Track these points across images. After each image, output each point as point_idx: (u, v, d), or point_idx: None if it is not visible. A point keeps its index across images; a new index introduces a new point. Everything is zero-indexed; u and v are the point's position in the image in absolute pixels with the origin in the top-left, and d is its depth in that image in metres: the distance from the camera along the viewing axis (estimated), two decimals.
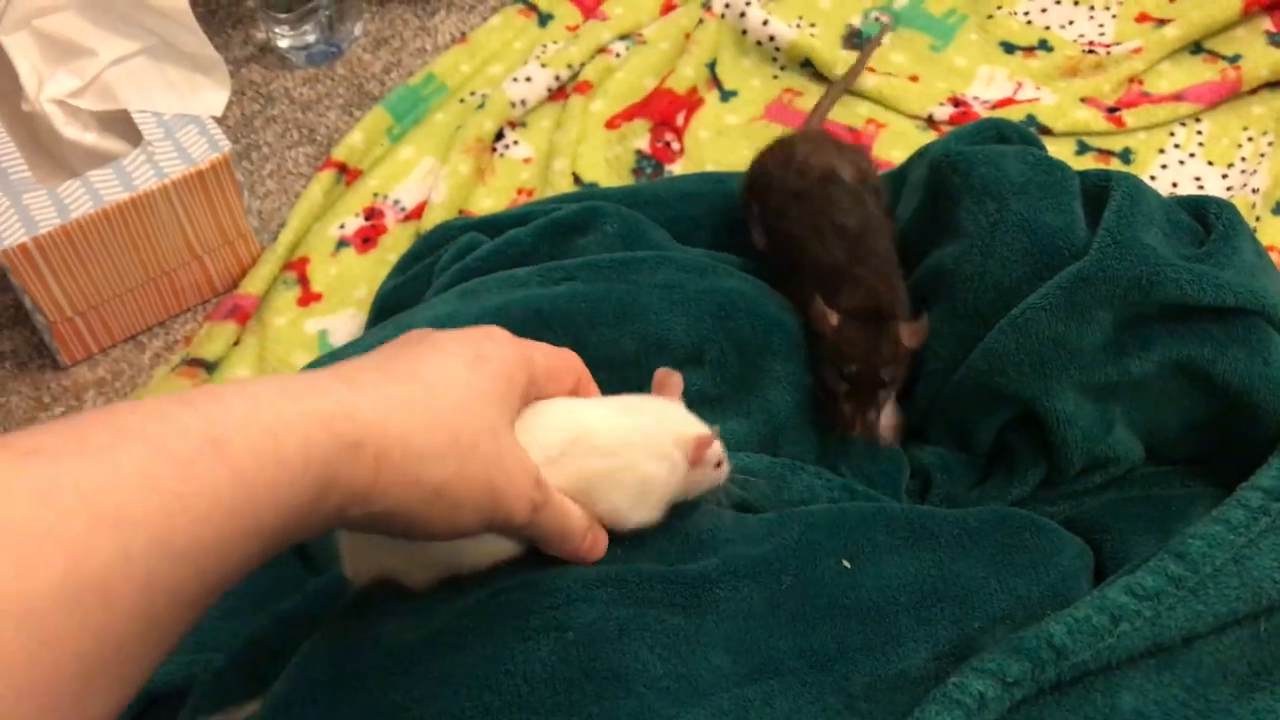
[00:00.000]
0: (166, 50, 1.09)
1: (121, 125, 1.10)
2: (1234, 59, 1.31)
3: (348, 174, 1.25)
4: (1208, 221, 0.94)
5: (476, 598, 0.66)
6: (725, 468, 0.71)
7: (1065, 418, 0.88)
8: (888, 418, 0.95)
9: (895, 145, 1.25)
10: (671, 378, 0.71)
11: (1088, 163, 1.23)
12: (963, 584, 0.73)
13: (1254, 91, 1.28)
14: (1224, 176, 1.21)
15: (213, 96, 1.10)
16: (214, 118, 1.09)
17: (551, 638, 0.65)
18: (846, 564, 0.72)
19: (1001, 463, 0.94)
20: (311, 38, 1.34)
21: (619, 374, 0.79)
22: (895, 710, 0.67)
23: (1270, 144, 1.22)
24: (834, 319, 0.89)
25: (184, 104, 1.08)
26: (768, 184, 1.01)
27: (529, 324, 0.91)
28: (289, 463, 0.44)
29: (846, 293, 0.90)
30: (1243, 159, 1.23)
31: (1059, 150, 1.21)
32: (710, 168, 1.24)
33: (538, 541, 0.65)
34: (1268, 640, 0.76)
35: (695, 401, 0.88)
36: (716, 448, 0.69)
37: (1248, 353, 0.87)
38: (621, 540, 0.71)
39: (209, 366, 1.09)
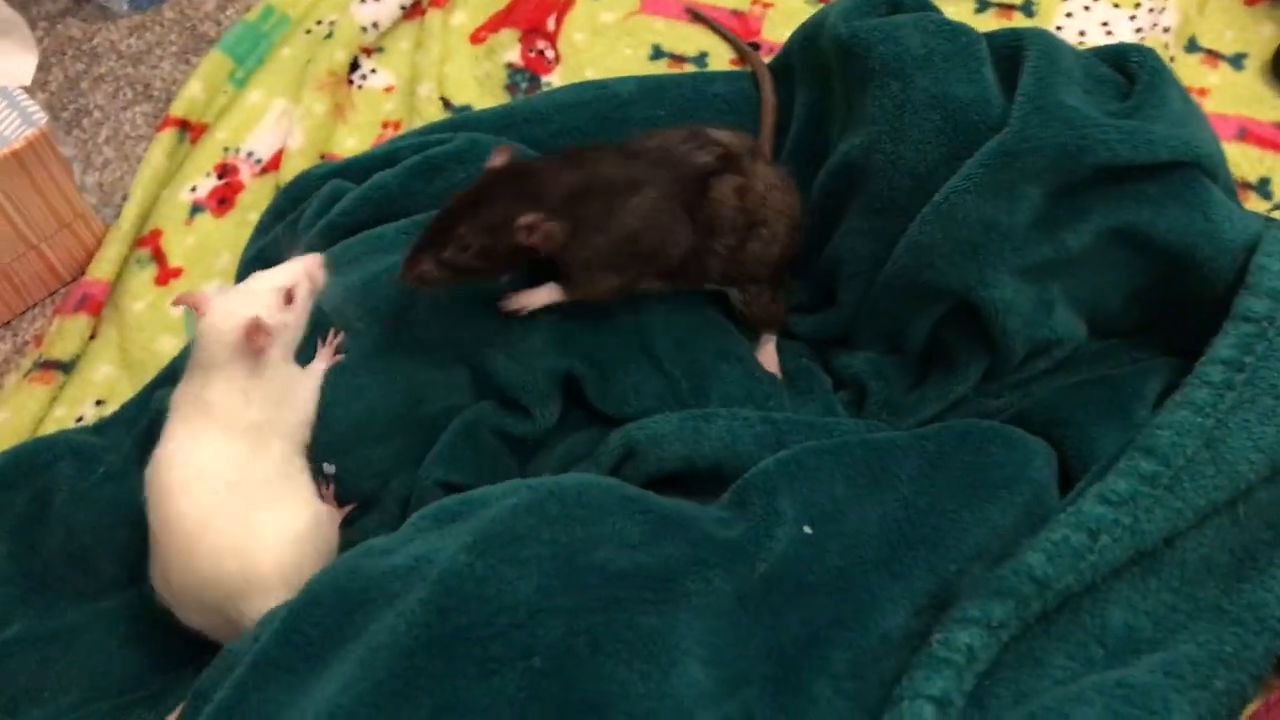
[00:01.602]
0: None
1: None
2: None
3: (192, 130, 1.12)
4: (1129, 71, 0.87)
5: (424, 626, 0.58)
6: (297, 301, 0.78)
7: (1003, 306, 0.81)
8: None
9: (785, 26, 1.14)
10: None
11: (989, 20, 1.15)
12: (931, 523, 0.68)
13: None
14: (1132, 18, 1.14)
15: (18, 63, 0.98)
16: (24, 87, 0.96)
17: (517, 669, 0.57)
18: (808, 529, 0.66)
19: (939, 361, 0.87)
20: None
21: None
22: (884, 680, 0.61)
23: None
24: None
25: None
26: None
27: (399, 299, 0.85)
28: None
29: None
30: None
31: (958, 10, 1.13)
32: (590, 73, 1.14)
33: None
34: (1247, 523, 0.71)
35: (596, 371, 0.81)
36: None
37: (1186, 209, 0.81)
38: (586, 523, 0.64)
39: (65, 367, 0.97)
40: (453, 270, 0.78)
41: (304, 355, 0.82)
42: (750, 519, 0.68)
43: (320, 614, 0.61)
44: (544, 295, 0.83)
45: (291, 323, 0.78)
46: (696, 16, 1.16)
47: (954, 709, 0.59)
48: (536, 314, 0.83)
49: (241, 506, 0.72)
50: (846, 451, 0.72)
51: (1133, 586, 0.68)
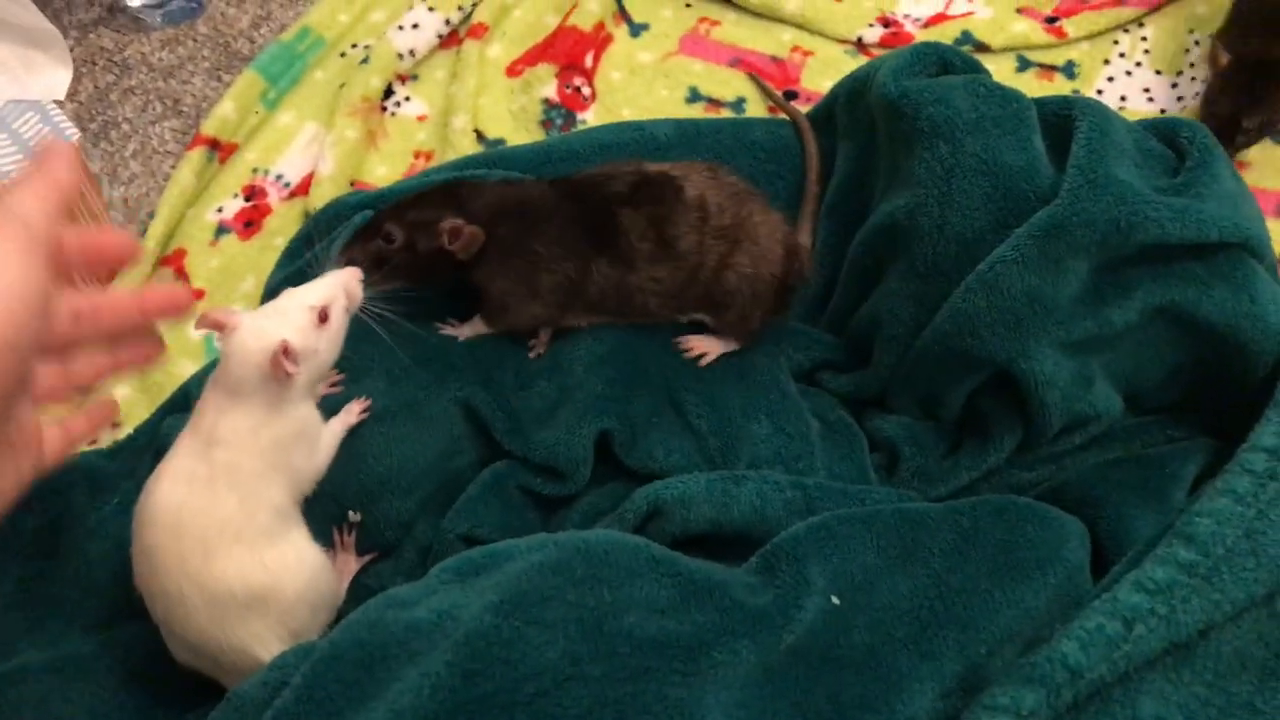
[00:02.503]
0: None
1: None
2: None
3: (221, 150, 1.11)
4: (1179, 146, 0.86)
5: (449, 691, 0.56)
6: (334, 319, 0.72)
7: (1044, 379, 0.80)
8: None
9: (824, 74, 1.15)
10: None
11: (1030, 80, 1.14)
12: (963, 601, 0.66)
13: None
14: (1174, 86, 1.13)
15: (52, 77, 0.97)
16: (56, 101, 0.95)
17: None
18: (835, 600, 0.64)
19: (973, 429, 0.86)
20: None
21: None
22: None
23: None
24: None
25: (18, 87, 0.94)
26: None
27: (443, 346, 0.84)
28: None
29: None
30: (1191, 65, 1.15)
31: (999, 69, 1.12)
32: (626, 113, 1.13)
33: None
34: None
35: (627, 429, 0.80)
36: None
37: (1233, 290, 0.80)
38: (614, 585, 0.63)
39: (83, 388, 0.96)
40: (377, 261, 0.79)
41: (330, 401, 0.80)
42: (779, 587, 0.66)
43: (342, 670, 0.60)
44: (470, 328, 0.85)
45: (324, 348, 0.71)
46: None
47: None
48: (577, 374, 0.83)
49: (239, 553, 0.68)
50: (879, 520, 0.71)
51: (1165, 677, 0.66)
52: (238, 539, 0.68)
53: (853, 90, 0.96)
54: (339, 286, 0.73)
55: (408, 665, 0.59)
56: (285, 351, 0.68)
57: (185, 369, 0.97)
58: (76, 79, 1.15)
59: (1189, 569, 0.68)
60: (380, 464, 0.79)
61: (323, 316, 0.71)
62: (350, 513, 0.78)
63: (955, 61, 0.92)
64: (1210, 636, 0.68)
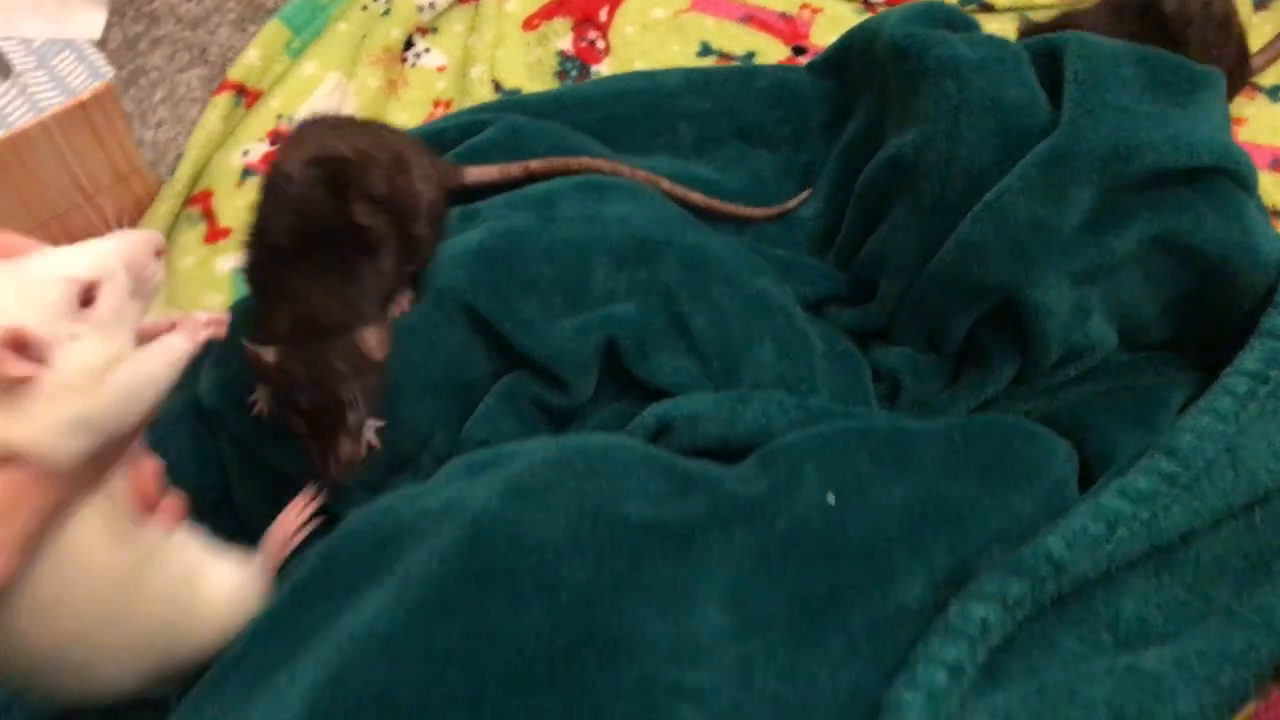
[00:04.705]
0: None
1: None
2: None
3: (247, 95, 1.15)
4: (1167, 73, 0.88)
5: (457, 559, 0.60)
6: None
7: (1045, 308, 0.83)
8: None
9: (833, 31, 1.18)
10: None
11: None
12: (954, 505, 0.69)
13: None
14: None
15: (89, 17, 1.00)
16: (92, 41, 0.99)
17: (544, 602, 0.59)
18: (831, 499, 0.68)
19: (972, 361, 0.89)
20: None
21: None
22: (898, 646, 0.63)
23: None
24: (271, 355, 0.70)
25: (56, 27, 0.97)
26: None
27: (446, 268, 0.84)
28: None
29: (278, 317, 0.72)
30: None
31: (1003, 28, 1.14)
32: (639, 65, 1.16)
33: None
34: (1263, 530, 0.73)
35: (634, 339, 0.83)
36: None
37: (1225, 221, 0.83)
38: (612, 478, 0.66)
39: None
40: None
41: None
42: (773, 479, 0.69)
43: (355, 546, 0.64)
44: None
45: (89, 347, 0.51)
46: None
47: (966, 677, 0.61)
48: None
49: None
50: (874, 432, 0.74)
51: (1146, 580, 0.69)
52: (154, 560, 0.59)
53: (864, 41, 0.99)
54: (117, 258, 0.53)
55: (418, 542, 0.62)
56: (14, 343, 0.48)
57: (212, 300, 1.01)
58: (107, 28, 1.19)
59: (1170, 479, 0.71)
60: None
61: (86, 298, 0.52)
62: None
63: (957, 22, 0.95)
64: (1190, 544, 0.71)
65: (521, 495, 0.64)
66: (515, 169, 0.93)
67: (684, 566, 0.63)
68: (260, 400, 0.76)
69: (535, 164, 0.93)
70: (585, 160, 0.94)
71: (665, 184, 0.94)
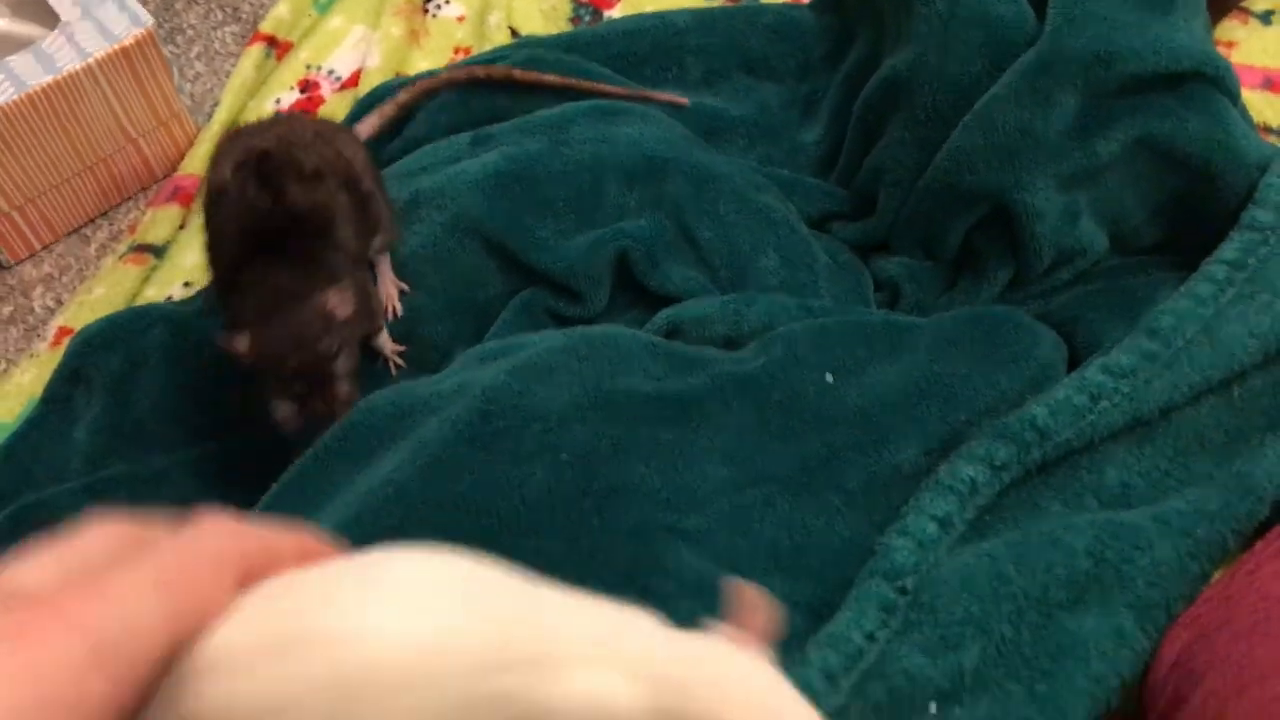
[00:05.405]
0: None
1: (33, 8, 1.06)
2: None
3: (278, 47, 1.21)
4: None
5: (467, 425, 0.66)
6: None
7: (1035, 211, 0.87)
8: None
9: None
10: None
11: None
12: (946, 382, 0.74)
13: None
14: None
15: None
16: None
17: (546, 460, 0.65)
18: (830, 378, 0.73)
19: (968, 267, 0.94)
20: None
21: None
22: (891, 503, 0.67)
23: None
24: (244, 343, 0.73)
25: None
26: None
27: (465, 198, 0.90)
28: None
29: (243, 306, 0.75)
30: None
31: None
32: (650, 9, 1.21)
33: None
34: (1241, 405, 0.77)
35: (644, 250, 0.88)
36: None
37: (1207, 124, 0.86)
38: (613, 360, 0.71)
39: (157, 251, 1.06)
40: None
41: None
42: (770, 356, 0.74)
43: (375, 418, 0.70)
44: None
45: None
46: None
47: (954, 530, 0.66)
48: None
49: None
50: (869, 324, 0.79)
51: (1129, 450, 0.74)
52: None
53: None
54: None
55: (431, 415, 0.68)
56: None
57: None
58: None
59: (1151, 356, 0.75)
60: (407, 300, 0.86)
61: None
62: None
63: None
64: (1171, 418, 0.76)
65: (528, 373, 0.70)
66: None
67: (682, 430, 0.68)
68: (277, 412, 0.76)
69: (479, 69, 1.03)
70: (534, 74, 1.02)
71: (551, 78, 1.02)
